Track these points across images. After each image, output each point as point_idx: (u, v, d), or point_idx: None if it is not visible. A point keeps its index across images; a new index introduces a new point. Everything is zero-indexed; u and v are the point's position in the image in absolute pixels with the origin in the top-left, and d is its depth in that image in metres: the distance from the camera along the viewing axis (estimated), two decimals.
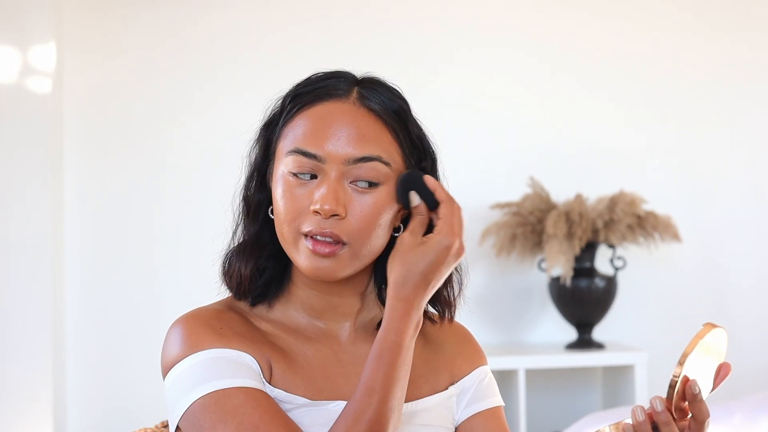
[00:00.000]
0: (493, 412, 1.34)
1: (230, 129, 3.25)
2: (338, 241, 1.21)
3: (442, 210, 1.21)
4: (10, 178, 3.04)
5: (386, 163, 1.23)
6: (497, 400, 1.35)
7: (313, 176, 1.22)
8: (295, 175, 1.22)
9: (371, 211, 1.22)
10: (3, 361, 3.02)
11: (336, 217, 1.20)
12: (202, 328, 1.21)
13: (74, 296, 3.21)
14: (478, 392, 1.34)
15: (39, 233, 3.04)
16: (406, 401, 1.26)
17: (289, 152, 1.23)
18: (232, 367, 1.17)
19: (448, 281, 1.31)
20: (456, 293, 1.32)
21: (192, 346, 1.20)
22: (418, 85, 3.31)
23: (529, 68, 3.49)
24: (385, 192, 1.23)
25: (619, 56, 3.54)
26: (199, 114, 3.31)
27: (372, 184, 1.23)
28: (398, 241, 1.21)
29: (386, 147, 1.24)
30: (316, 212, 1.20)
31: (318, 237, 1.20)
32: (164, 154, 3.29)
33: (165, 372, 1.22)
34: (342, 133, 1.22)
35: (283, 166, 1.23)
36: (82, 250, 3.23)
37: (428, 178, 1.23)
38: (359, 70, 1.31)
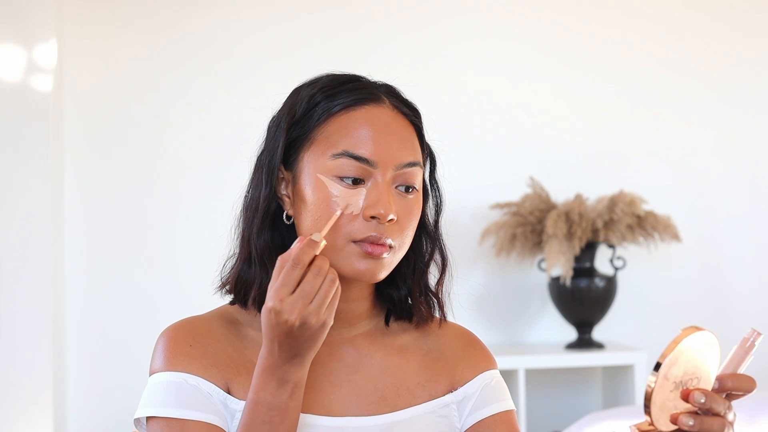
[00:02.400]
0: (501, 416, 1.31)
1: (231, 127, 3.26)
2: (388, 245, 1.21)
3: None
4: (10, 176, 3.05)
5: (422, 168, 1.27)
6: (506, 405, 1.32)
7: (356, 180, 1.21)
8: (340, 179, 1.21)
9: (413, 215, 1.25)
10: (3, 361, 3.02)
11: (390, 221, 1.21)
12: (175, 346, 1.24)
13: (74, 296, 3.21)
14: (483, 397, 1.31)
15: (39, 232, 3.04)
16: (392, 410, 1.26)
17: (336, 156, 1.21)
18: (184, 396, 1.21)
19: (425, 274, 1.31)
20: (441, 287, 1.33)
21: (164, 363, 1.24)
22: (418, 85, 3.30)
23: (529, 68, 3.49)
24: (419, 196, 1.26)
25: (620, 56, 3.54)
26: (200, 112, 3.31)
27: (410, 189, 1.24)
28: None
29: (419, 151, 1.27)
30: (372, 218, 1.20)
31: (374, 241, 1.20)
32: (165, 153, 3.29)
33: (150, 375, 1.27)
34: (389, 137, 1.23)
35: (324, 169, 1.22)
36: (82, 249, 3.23)
37: (307, 245, 1.14)
38: (358, 71, 1.32)
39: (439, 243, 1.33)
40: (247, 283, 1.28)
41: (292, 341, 1.13)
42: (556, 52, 3.51)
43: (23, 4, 3.05)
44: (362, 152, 1.21)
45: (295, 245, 1.14)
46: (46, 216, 3.06)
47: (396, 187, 1.23)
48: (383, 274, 1.23)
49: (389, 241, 1.21)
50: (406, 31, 3.44)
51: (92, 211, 3.25)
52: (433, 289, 1.33)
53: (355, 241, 1.20)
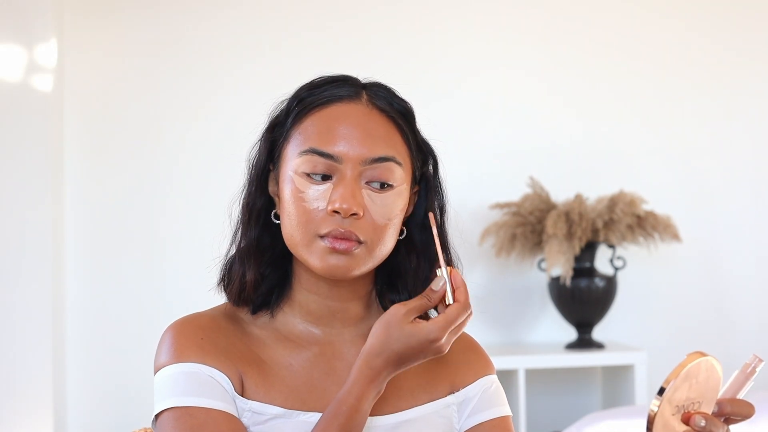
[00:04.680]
0: (499, 421, 1.32)
1: (230, 128, 3.26)
2: (356, 240, 1.22)
3: (451, 309, 1.20)
4: (10, 176, 3.04)
5: (399, 164, 1.25)
6: (504, 410, 1.34)
7: (325, 176, 1.23)
8: (307, 175, 1.23)
9: (386, 212, 1.24)
10: (3, 361, 3.01)
11: (354, 216, 1.21)
12: (185, 339, 1.24)
13: (74, 295, 3.21)
14: (482, 402, 1.33)
15: (39, 232, 3.04)
16: (395, 411, 1.27)
17: (303, 152, 1.23)
18: (202, 386, 1.20)
19: (428, 278, 1.31)
20: None
21: (174, 355, 1.23)
22: (417, 85, 3.31)
23: (529, 68, 3.49)
24: (398, 193, 1.25)
25: (620, 56, 3.54)
26: (200, 113, 3.32)
27: (385, 185, 1.24)
28: (391, 308, 1.21)
29: (398, 148, 1.26)
30: (334, 212, 1.21)
31: (337, 236, 1.21)
32: (165, 153, 3.29)
33: (154, 373, 1.26)
34: (358, 133, 1.23)
35: (294, 166, 1.24)
36: (82, 249, 3.23)
37: (456, 273, 1.22)
38: (358, 72, 1.32)
39: (445, 245, 1.32)
40: (230, 277, 1.30)
41: (418, 361, 1.21)
42: (557, 53, 3.51)
43: (23, 4, 3.05)
44: (327, 148, 1.23)
45: (448, 288, 1.20)
46: (46, 216, 3.06)
47: (368, 183, 1.23)
48: (357, 271, 1.24)
49: (357, 237, 1.22)
50: (407, 31, 3.44)
51: (92, 210, 3.25)
52: None
53: (320, 236, 1.22)
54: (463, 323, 1.20)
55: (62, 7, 3.20)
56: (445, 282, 1.19)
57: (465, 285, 1.20)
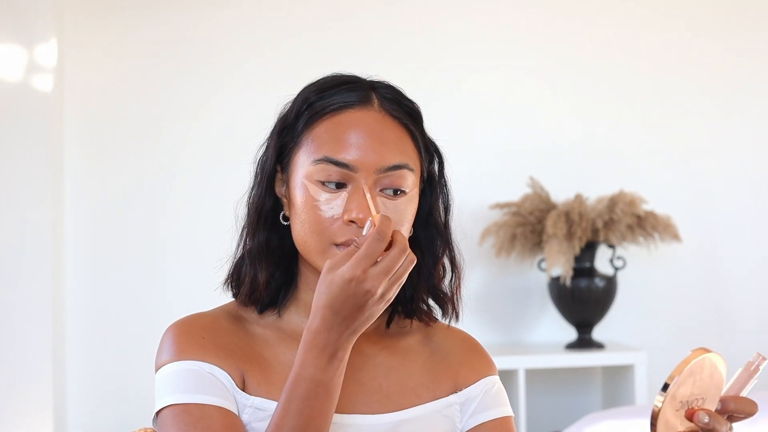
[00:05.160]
0: (500, 422, 1.33)
1: (230, 128, 3.26)
2: None
3: (367, 244, 1.12)
4: (10, 176, 3.04)
5: (412, 170, 1.25)
6: (505, 411, 1.34)
7: (340, 185, 1.22)
8: (322, 183, 1.22)
9: (399, 218, 1.24)
10: (3, 361, 3.01)
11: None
12: (187, 338, 1.25)
13: (75, 296, 3.21)
14: (484, 402, 1.33)
15: (39, 232, 3.04)
16: (398, 409, 1.27)
17: (317, 161, 1.23)
18: (201, 382, 1.21)
19: (442, 276, 1.32)
20: (453, 288, 1.33)
21: (176, 353, 1.24)
22: (417, 85, 3.30)
23: (529, 68, 3.49)
24: (410, 198, 1.25)
25: (620, 56, 3.54)
26: (200, 113, 3.32)
27: (398, 192, 1.24)
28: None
29: (410, 153, 1.26)
30: (351, 221, 1.21)
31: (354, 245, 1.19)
32: (165, 153, 3.29)
33: (155, 371, 1.26)
34: (371, 141, 1.23)
35: (308, 174, 1.23)
36: (82, 249, 3.23)
37: (386, 219, 1.15)
38: (359, 72, 1.32)
39: (449, 243, 1.33)
40: (240, 280, 1.30)
41: (359, 314, 1.13)
42: (557, 53, 3.51)
43: (23, 4, 3.05)
44: (342, 157, 1.22)
45: (368, 228, 1.15)
46: (46, 216, 3.05)
47: (382, 191, 1.23)
48: None
49: None
50: (407, 31, 3.44)
51: (92, 210, 3.25)
52: (444, 290, 1.33)
53: (336, 245, 1.22)
54: (402, 269, 1.13)
55: (62, 7, 3.20)
56: (372, 225, 1.14)
57: (401, 233, 1.15)
